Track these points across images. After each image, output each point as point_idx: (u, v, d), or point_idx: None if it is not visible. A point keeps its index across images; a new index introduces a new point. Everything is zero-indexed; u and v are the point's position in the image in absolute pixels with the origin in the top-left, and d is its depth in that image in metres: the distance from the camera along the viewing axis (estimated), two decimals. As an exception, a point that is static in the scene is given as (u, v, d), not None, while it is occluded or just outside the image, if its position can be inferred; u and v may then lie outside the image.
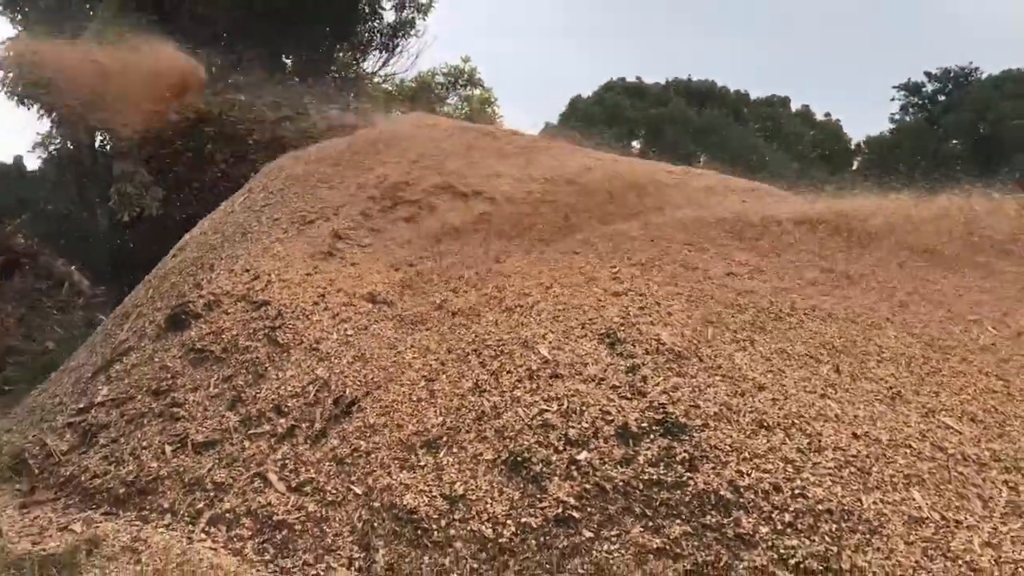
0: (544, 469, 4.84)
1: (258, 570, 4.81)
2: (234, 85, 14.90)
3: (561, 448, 4.91)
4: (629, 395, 5.15)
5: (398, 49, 20.49)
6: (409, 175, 8.46)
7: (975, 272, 7.09)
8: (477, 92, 24.30)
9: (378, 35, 20.00)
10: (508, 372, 5.55)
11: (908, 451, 4.70)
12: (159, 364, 6.85)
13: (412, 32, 20.61)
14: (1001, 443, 4.82)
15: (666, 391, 5.11)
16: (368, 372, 5.97)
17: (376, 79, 20.79)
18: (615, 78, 51.86)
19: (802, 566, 4.16)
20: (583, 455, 4.84)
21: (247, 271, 7.46)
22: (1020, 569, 4.03)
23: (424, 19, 20.58)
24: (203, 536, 5.16)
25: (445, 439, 5.21)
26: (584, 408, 5.10)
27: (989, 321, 6.19)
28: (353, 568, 4.70)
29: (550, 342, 5.68)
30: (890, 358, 5.54)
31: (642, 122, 46.02)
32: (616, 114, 45.17)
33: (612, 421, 4.99)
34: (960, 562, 4.09)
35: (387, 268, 7.21)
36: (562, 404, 5.16)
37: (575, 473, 4.77)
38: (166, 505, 5.51)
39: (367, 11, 19.69)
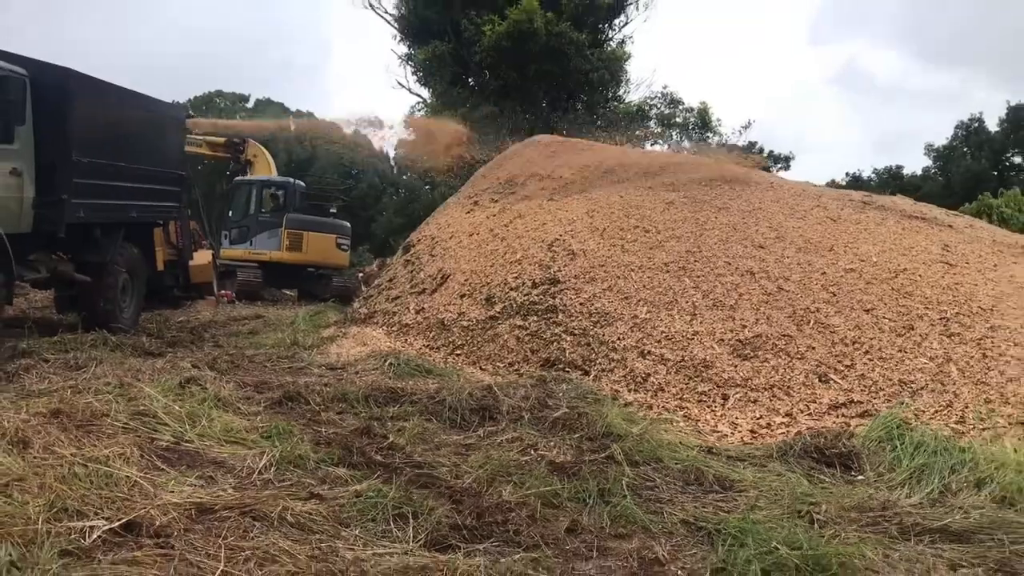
0: (494, 298, 10.97)
1: (390, 344, 11.47)
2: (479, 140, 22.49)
3: (506, 291, 11.00)
4: (542, 269, 11.07)
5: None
6: (516, 172, 14.69)
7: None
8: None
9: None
10: (503, 257, 11.68)
11: (642, 274, 10.22)
12: (394, 267, 13.89)
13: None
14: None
15: (559, 268, 10.98)
16: (455, 262, 12.32)
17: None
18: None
19: (589, 333, 9.61)
20: (512, 293, 10.91)
21: (435, 223, 14.27)
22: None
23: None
24: (380, 328, 11.97)
25: (471, 292, 11.47)
26: (522, 274, 11.12)
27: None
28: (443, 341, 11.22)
29: (525, 248, 11.74)
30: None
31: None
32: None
33: (531, 279, 10.96)
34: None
35: (490, 215, 13.49)
36: (515, 273, 11.22)
37: (507, 299, 10.85)
38: (378, 320, 12.39)
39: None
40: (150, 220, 13.11)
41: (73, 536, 3.67)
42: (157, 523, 3.92)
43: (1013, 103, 51.15)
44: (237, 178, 25.35)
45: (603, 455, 6.02)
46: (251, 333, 12.66)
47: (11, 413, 5.39)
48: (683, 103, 28.96)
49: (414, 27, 26.46)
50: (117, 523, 3.87)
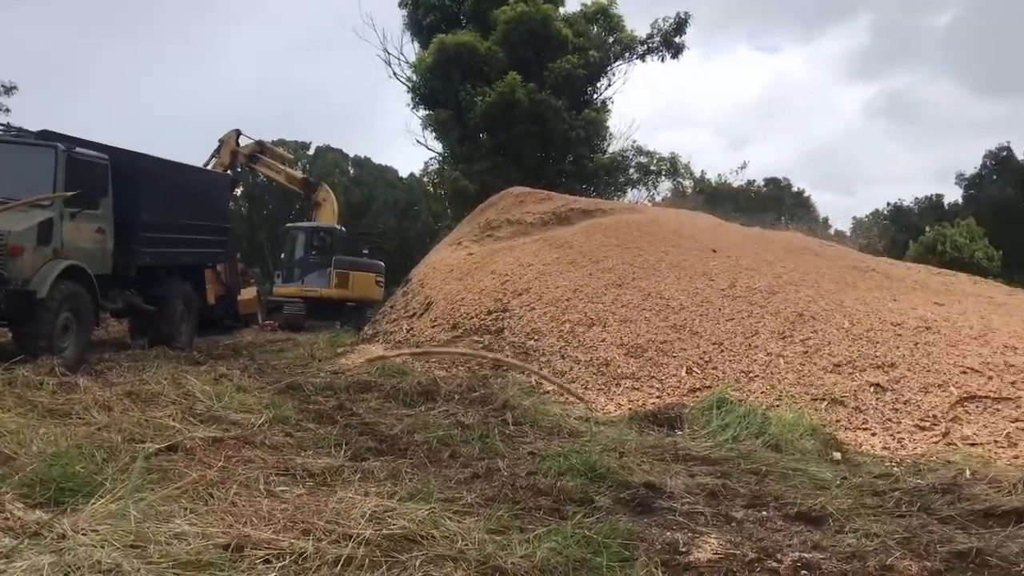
0: (459, 325, 13.09)
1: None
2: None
3: (469, 318, 13.12)
4: (496, 301, 13.18)
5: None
6: (493, 218, 16.89)
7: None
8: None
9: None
10: (470, 289, 13.85)
11: (584, 298, 12.35)
12: (396, 297, 16.13)
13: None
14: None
15: (509, 300, 13.09)
16: (438, 292, 14.50)
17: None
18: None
19: (527, 344, 11.79)
20: (472, 319, 13.02)
21: (428, 260, 16.52)
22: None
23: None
24: (380, 345, 14.16)
25: (443, 317, 13.63)
26: (481, 304, 13.25)
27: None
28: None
29: (487, 283, 13.93)
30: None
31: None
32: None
33: (487, 308, 13.05)
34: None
35: (468, 254, 15.66)
36: (477, 302, 13.36)
37: (468, 324, 12.98)
38: (379, 339, 14.61)
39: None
40: (201, 262, 15.55)
41: (138, 450, 5.89)
42: (188, 446, 6.14)
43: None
44: (288, 224, 27.82)
45: (500, 418, 8.14)
46: (280, 351, 14.89)
47: (99, 391, 7.68)
48: (656, 154, 31.33)
49: (424, 95, 29.14)
50: (164, 444, 6.09)
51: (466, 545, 4.23)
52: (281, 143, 36.97)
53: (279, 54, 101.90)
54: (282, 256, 25.95)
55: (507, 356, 11.40)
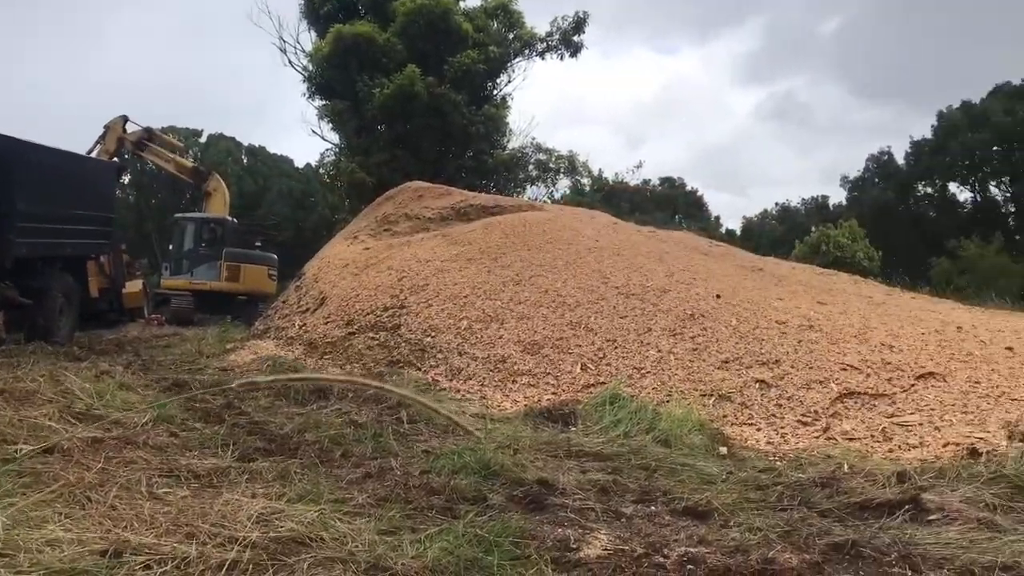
0: (353, 321, 12.96)
1: (276, 353, 13.39)
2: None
3: (364, 314, 13.00)
4: (392, 297, 13.10)
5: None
6: (391, 212, 16.79)
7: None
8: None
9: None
10: (365, 285, 13.73)
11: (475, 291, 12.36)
12: (289, 291, 15.80)
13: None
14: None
15: (406, 296, 13.02)
16: (332, 288, 14.32)
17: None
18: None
19: (423, 341, 11.78)
20: (368, 316, 12.91)
21: (323, 254, 16.25)
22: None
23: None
24: (272, 341, 13.86)
25: (337, 313, 13.48)
26: (377, 300, 13.15)
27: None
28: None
29: (383, 279, 13.82)
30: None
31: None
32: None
33: (383, 304, 12.97)
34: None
35: (365, 248, 15.52)
36: (372, 299, 13.25)
37: (363, 321, 12.86)
38: (271, 335, 14.30)
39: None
40: (83, 254, 14.88)
41: (10, 452, 5.60)
42: (65, 447, 5.88)
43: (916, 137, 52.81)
44: (177, 215, 26.97)
45: (394, 417, 8.08)
46: (167, 346, 14.42)
47: (-33, 391, 7.28)
48: (555, 151, 31.64)
49: (321, 85, 28.68)
50: (39, 446, 5.81)
51: (356, 547, 4.18)
52: (171, 130, 35.83)
53: (170, 39, 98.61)
54: (170, 247, 25.21)
55: (406, 352, 11.35)
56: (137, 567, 3.77)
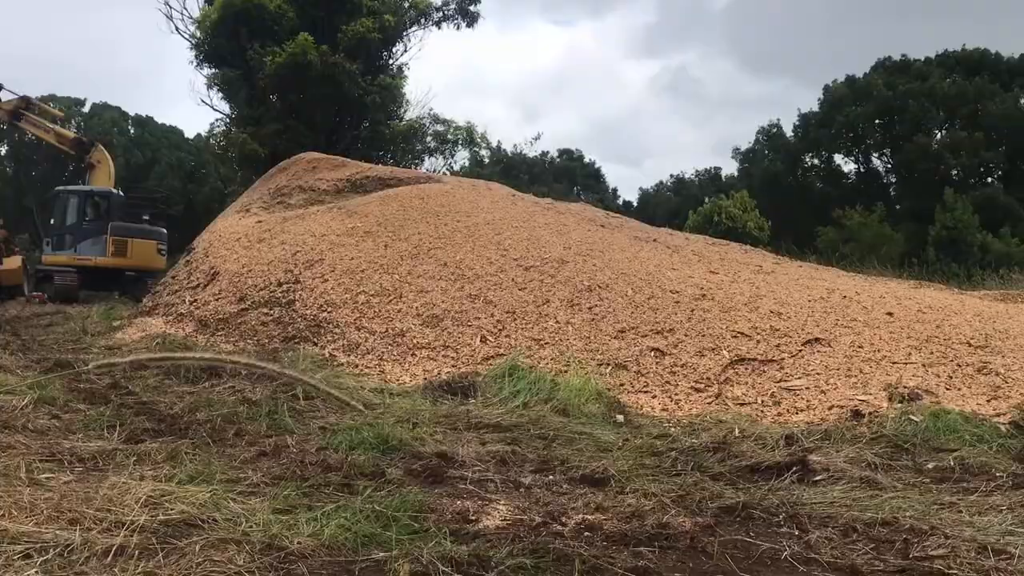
0: (246, 297, 12.68)
1: (165, 330, 12.99)
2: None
3: (256, 290, 12.73)
4: (286, 272, 12.86)
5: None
6: (284, 184, 16.44)
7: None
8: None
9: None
10: (259, 260, 13.43)
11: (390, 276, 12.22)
12: (179, 267, 15.31)
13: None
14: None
15: (300, 271, 12.78)
16: (223, 262, 13.95)
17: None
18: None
19: (320, 317, 11.64)
20: (261, 292, 12.64)
21: (213, 227, 15.80)
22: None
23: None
24: (161, 318, 13.44)
25: (229, 289, 13.15)
26: (271, 275, 12.87)
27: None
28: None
29: (276, 254, 13.54)
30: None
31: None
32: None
33: (277, 279, 12.72)
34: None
35: (257, 222, 15.17)
36: (265, 274, 12.97)
37: (256, 296, 12.58)
38: (160, 312, 13.84)
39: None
40: (-47, 230, 14.08)
41: None
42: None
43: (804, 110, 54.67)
44: (58, 188, 25.73)
45: (289, 393, 7.94)
46: (49, 325, 13.81)
47: None
48: (453, 122, 31.45)
49: (209, 53, 27.72)
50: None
51: (250, 527, 4.10)
52: (51, 99, 34.11)
53: (47, 1, 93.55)
54: (52, 222, 24.03)
55: (302, 328, 11.16)
56: (16, 556, 3.60)
